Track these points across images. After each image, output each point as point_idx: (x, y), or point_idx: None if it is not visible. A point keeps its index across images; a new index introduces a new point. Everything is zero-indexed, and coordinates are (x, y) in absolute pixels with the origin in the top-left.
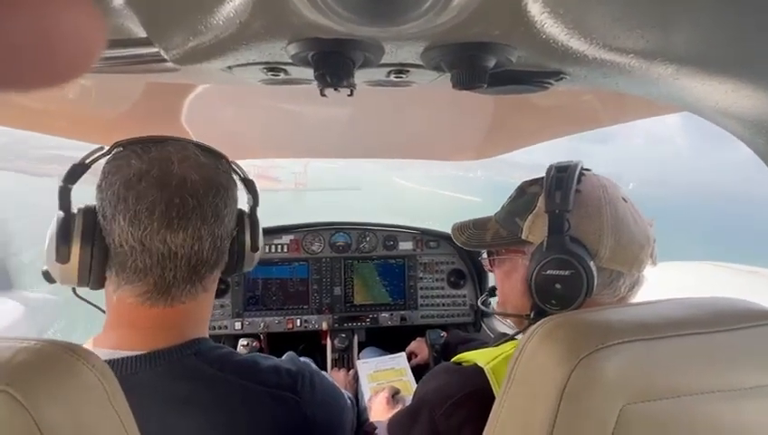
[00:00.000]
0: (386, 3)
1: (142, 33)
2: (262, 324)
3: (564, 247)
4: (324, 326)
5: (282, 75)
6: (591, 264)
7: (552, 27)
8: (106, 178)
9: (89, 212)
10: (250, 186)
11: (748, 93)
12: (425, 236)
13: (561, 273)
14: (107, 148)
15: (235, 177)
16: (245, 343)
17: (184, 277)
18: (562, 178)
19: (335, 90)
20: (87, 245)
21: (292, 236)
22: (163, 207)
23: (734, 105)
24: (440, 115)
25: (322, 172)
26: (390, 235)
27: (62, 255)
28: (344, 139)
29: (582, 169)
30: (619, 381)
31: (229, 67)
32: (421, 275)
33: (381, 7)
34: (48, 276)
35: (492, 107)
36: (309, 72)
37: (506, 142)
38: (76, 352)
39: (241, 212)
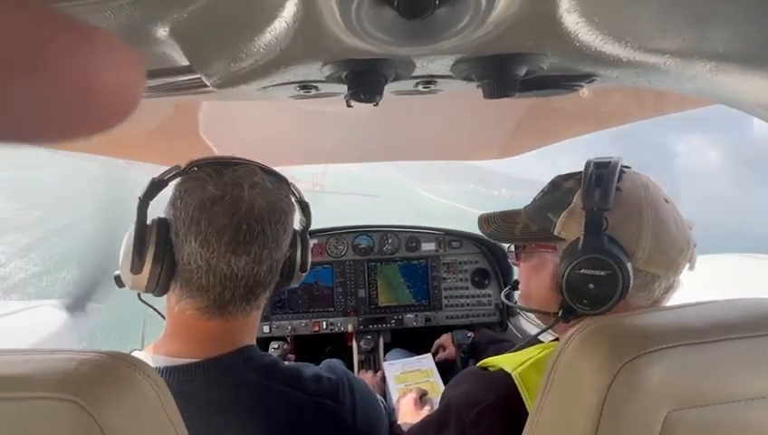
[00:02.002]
0: (423, 24)
1: (184, 62)
2: (289, 327)
3: (601, 247)
4: (350, 328)
5: (313, 91)
6: (629, 265)
7: (586, 35)
8: (181, 197)
9: (162, 227)
10: (305, 208)
11: None
12: (447, 237)
13: (597, 273)
14: (184, 166)
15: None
16: (276, 346)
17: (240, 296)
18: (602, 175)
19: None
20: (159, 259)
21: (315, 241)
22: (232, 232)
23: None
24: (462, 115)
25: (342, 175)
26: (413, 236)
27: (135, 266)
28: (365, 142)
29: (622, 166)
30: (663, 387)
31: (264, 88)
32: (445, 275)
33: (418, 29)
34: (119, 281)
35: (514, 106)
36: (340, 88)
37: (530, 140)
38: (132, 363)
39: (295, 233)
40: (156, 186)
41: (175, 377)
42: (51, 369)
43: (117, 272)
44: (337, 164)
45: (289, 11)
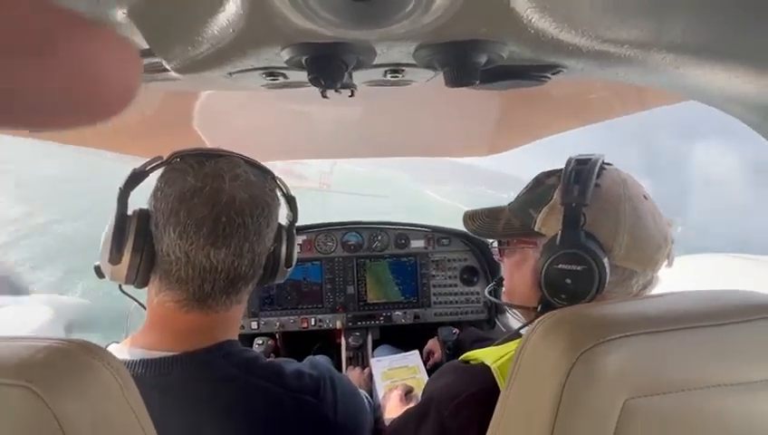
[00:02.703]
0: (369, 6)
1: (144, 45)
2: (277, 324)
3: (578, 242)
4: (338, 325)
5: (281, 79)
6: (605, 261)
7: (540, 22)
8: (162, 188)
9: (143, 218)
10: (292, 203)
11: (752, 78)
12: (436, 234)
13: (574, 268)
14: (166, 157)
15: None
16: (260, 341)
17: (221, 290)
18: (582, 171)
19: (335, 91)
20: (138, 250)
21: (304, 237)
22: (211, 224)
23: (739, 91)
24: (450, 112)
25: (349, 175)
26: (402, 233)
27: (114, 257)
28: (354, 139)
29: (603, 163)
30: (620, 375)
31: (230, 74)
32: (434, 272)
33: (365, 11)
34: (99, 272)
35: (501, 101)
36: (304, 75)
37: (517, 136)
38: (92, 350)
39: (280, 227)
40: (136, 176)
41: (151, 370)
42: (6, 355)
43: (97, 263)
44: (345, 163)
45: None
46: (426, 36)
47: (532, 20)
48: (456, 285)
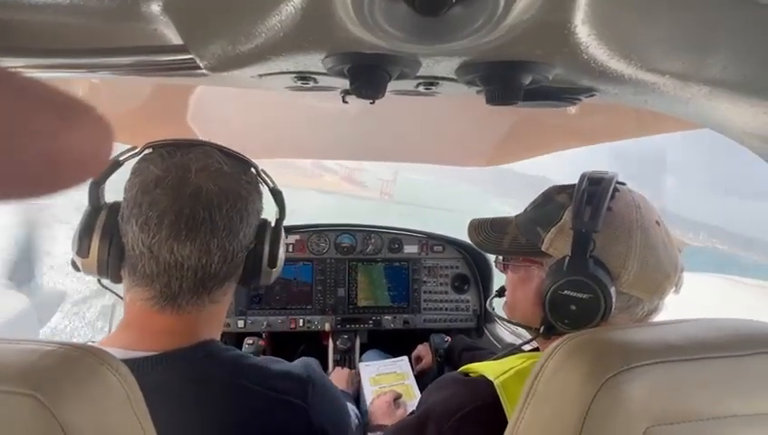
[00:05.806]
0: (437, 22)
1: (176, 40)
2: (265, 323)
3: (586, 270)
4: (327, 327)
5: (311, 84)
6: (612, 289)
7: (595, 48)
8: (130, 179)
9: (112, 211)
10: (277, 197)
11: None
12: (430, 240)
13: (579, 295)
14: (139, 148)
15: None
16: (251, 341)
17: (190, 288)
18: (594, 193)
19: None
20: (105, 243)
21: (297, 237)
22: (173, 216)
23: (764, 126)
24: (451, 120)
25: (412, 185)
26: (395, 237)
27: (82, 250)
28: (353, 140)
29: (617, 182)
30: (643, 403)
31: (260, 75)
32: (425, 278)
33: (431, 27)
34: (75, 265)
35: (504, 114)
36: (338, 82)
37: (517, 151)
38: (98, 355)
39: (263, 224)
40: (109, 167)
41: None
42: (10, 361)
43: (71, 256)
44: (408, 172)
45: None
46: (478, 54)
47: (589, 46)
48: (446, 293)
